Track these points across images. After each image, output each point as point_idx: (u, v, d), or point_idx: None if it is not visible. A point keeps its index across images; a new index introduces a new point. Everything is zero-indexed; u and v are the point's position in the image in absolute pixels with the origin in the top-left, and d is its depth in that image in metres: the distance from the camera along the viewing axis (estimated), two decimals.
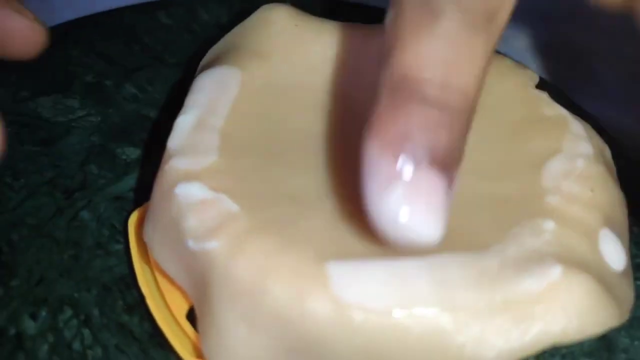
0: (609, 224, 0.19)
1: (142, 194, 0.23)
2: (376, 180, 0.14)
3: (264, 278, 0.16)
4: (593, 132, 0.21)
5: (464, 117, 0.15)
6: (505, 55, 0.23)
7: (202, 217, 0.17)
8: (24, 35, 0.17)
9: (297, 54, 0.22)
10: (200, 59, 0.24)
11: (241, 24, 0.23)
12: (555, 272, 0.16)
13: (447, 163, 0.14)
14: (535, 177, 0.19)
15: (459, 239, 0.17)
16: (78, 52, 0.28)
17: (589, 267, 0.17)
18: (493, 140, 0.20)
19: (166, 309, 0.19)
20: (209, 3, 0.31)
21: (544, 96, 0.21)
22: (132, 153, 0.25)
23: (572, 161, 0.19)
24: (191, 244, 0.17)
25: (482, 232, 0.17)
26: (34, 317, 0.20)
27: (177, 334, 0.19)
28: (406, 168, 0.14)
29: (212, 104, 0.20)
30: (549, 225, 0.17)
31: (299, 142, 0.20)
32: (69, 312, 0.20)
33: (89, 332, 0.20)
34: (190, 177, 0.18)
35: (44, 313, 0.20)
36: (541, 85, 0.22)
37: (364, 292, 0.16)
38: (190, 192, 0.18)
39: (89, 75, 0.27)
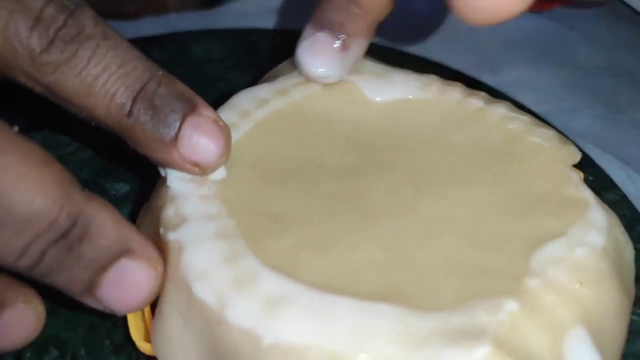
0: (589, 325, 0.17)
1: None
2: None
3: (198, 278, 0.17)
4: (620, 227, 0.19)
5: None
6: (552, 127, 0.23)
7: (178, 210, 0.18)
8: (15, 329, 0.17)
9: (344, 89, 0.23)
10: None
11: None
12: (481, 351, 0.15)
13: None
14: (527, 256, 0.18)
15: (414, 295, 0.17)
16: None
17: None
18: (505, 210, 0.19)
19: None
20: (202, 38, 0.31)
21: (575, 177, 0.20)
22: (122, 188, 0.25)
23: (571, 249, 0.18)
24: (161, 231, 0.18)
25: (442, 294, 0.17)
26: (18, 357, 0.20)
27: (136, 320, 0.19)
28: None
29: (237, 118, 0.21)
30: (511, 305, 0.16)
31: (305, 170, 0.20)
32: (54, 352, 0.20)
33: None
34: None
35: (28, 354, 0.19)
36: (585, 166, 0.21)
37: (282, 323, 0.16)
38: (179, 186, 0.19)
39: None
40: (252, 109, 0.21)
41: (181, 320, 0.17)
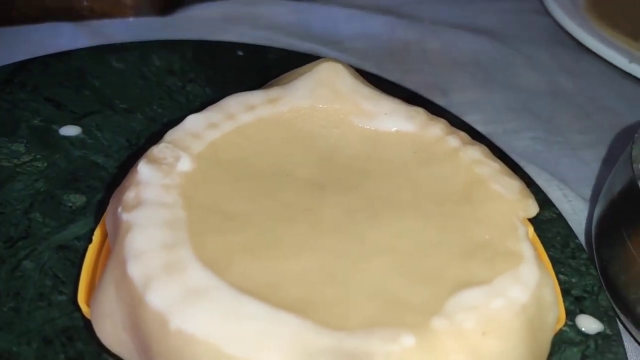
0: None
1: (88, 242, 0.23)
2: None
3: (133, 257, 0.18)
4: (551, 289, 0.19)
5: None
6: (524, 178, 0.23)
7: (139, 194, 0.19)
8: None
9: (333, 110, 0.23)
10: (151, 105, 0.24)
11: (299, 68, 0.25)
12: None
13: None
14: (447, 297, 0.18)
15: (326, 311, 0.17)
16: (25, 95, 0.28)
17: None
18: (444, 249, 0.20)
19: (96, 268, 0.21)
20: (161, 49, 0.31)
21: (522, 230, 0.20)
22: (78, 200, 0.25)
23: (489, 298, 0.18)
24: (119, 210, 0.19)
25: (352, 316, 0.17)
26: None
27: (83, 284, 0.21)
28: None
29: (221, 119, 0.22)
30: (407, 340, 0.17)
31: (273, 177, 0.21)
32: None
33: None
34: (154, 161, 0.20)
35: None
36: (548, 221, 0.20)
37: (190, 313, 0.17)
38: (146, 173, 0.20)
39: (35, 119, 0.27)
40: (238, 112, 0.23)
41: (114, 291, 0.18)
